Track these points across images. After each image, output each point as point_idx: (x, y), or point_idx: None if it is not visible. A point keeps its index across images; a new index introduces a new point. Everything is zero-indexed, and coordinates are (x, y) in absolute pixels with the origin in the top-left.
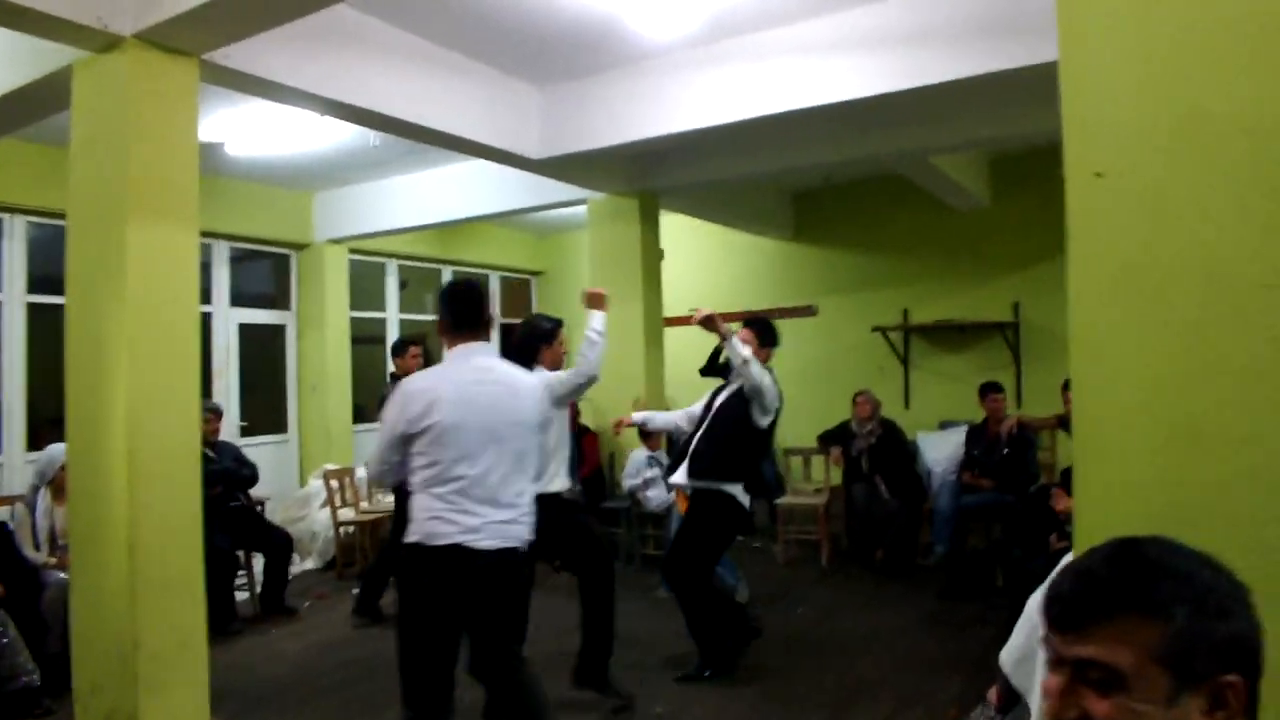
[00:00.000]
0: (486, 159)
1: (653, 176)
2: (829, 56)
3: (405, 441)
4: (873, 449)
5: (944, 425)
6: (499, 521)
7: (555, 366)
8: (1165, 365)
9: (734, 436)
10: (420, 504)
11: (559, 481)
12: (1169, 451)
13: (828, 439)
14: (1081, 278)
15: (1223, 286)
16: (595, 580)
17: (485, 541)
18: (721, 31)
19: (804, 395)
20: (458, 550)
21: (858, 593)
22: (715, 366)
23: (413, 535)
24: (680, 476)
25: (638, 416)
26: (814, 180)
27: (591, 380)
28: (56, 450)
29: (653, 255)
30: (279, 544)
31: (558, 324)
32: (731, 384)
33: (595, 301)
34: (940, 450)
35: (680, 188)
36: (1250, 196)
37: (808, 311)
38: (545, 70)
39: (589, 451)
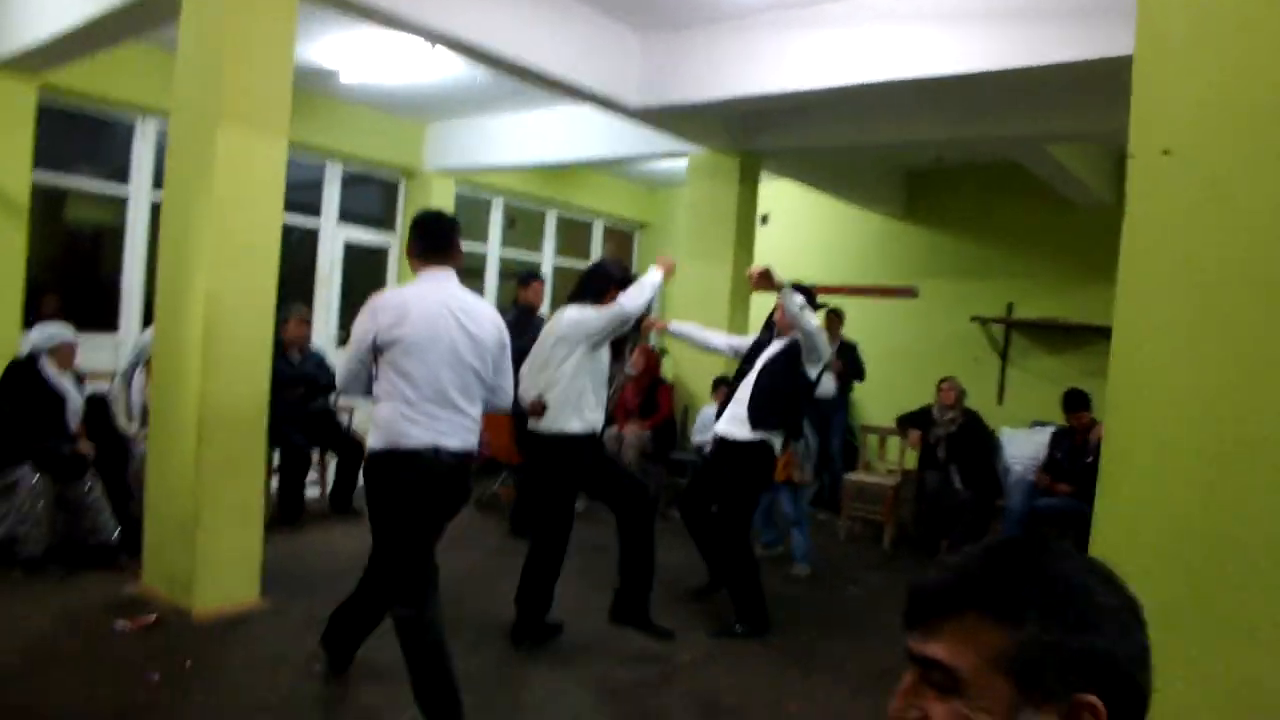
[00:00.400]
0: (584, 101)
1: (755, 137)
2: (937, 27)
3: (375, 351)
4: (951, 437)
5: (1037, 424)
6: (462, 426)
7: None
8: (1215, 375)
9: (786, 387)
10: (387, 411)
11: (595, 418)
12: (1213, 474)
13: (907, 421)
14: (1134, 268)
15: None
16: (633, 515)
17: (452, 442)
18: None
19: (892, 375)
20: (430, 450)
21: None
22: None
23: (381, 442)
24: (738, 428)
25: (676, 326)
26: (927, 159)
27: (626, 319)
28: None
29: (749, 216)
30: (352, 449)
31: (627, 273)
32: (777, 342)
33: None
34: (1022, 448)
35: (783, 151)
36: None
37: (908, 293)
38: (647, 17)
39: (663, 402)
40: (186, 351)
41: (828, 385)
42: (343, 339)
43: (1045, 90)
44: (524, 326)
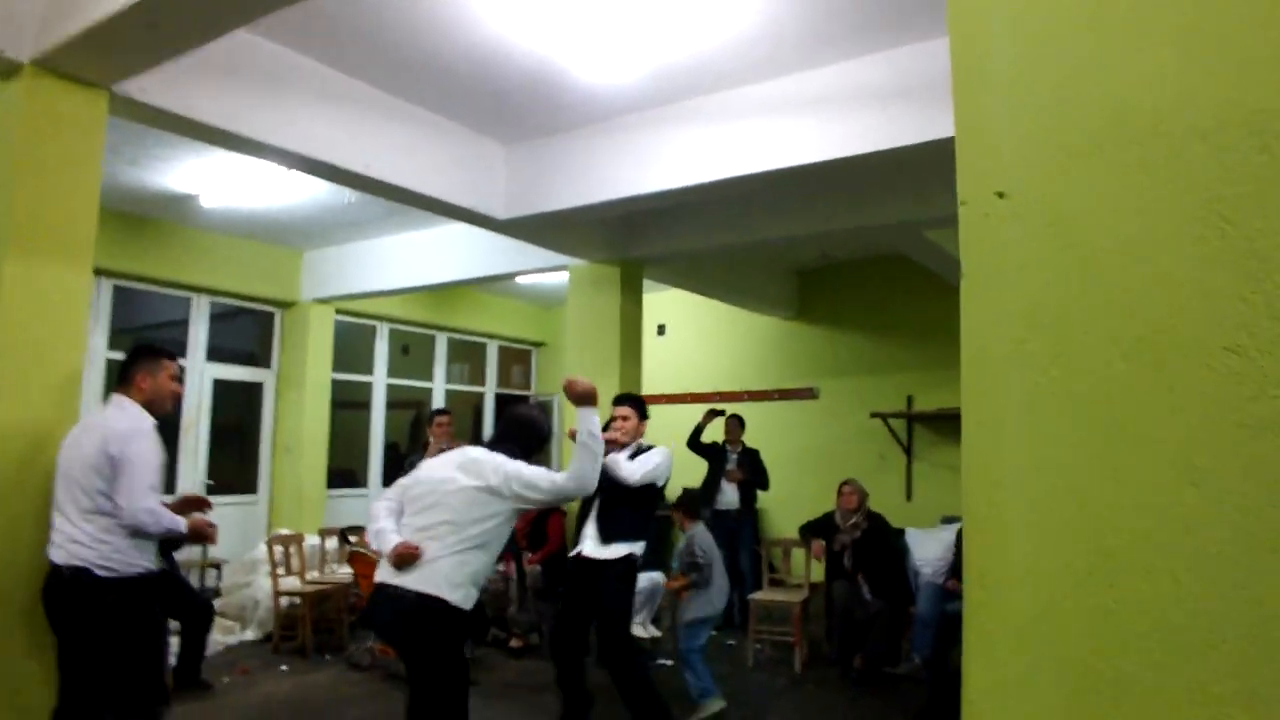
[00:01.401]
0: (449, 217)
1: (634, 244)
2: (797, 117)
3: None
4: (857, 544)
5: (947, 520)
6: (68, 539)
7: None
8: (1075, 459)
9: (638, 498)
10: None
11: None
12: (1079, 578)
13: (809, 530)
14: (975, 334)
15: (1164, 349)
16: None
17: (55, 555)
18: (684, 91)
19: (799, 481)
20: (48, 565)
21: (829, 705)
22: (700, 443)
23: None
24: (594, 548)
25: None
26: (813, 257)
27: (583, 494)
28: None
29: (634, 327)
30: (198, 611)
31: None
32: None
33: (582, 396)
34: (929, 549)
35: (664, 256)
36: (1205, 221)
37: (808, 394)
38: (510, 127)
39: (553, 532)
40: None
41: (730, 496)
42: (212, 488)
43: (915, 173)
44: None
